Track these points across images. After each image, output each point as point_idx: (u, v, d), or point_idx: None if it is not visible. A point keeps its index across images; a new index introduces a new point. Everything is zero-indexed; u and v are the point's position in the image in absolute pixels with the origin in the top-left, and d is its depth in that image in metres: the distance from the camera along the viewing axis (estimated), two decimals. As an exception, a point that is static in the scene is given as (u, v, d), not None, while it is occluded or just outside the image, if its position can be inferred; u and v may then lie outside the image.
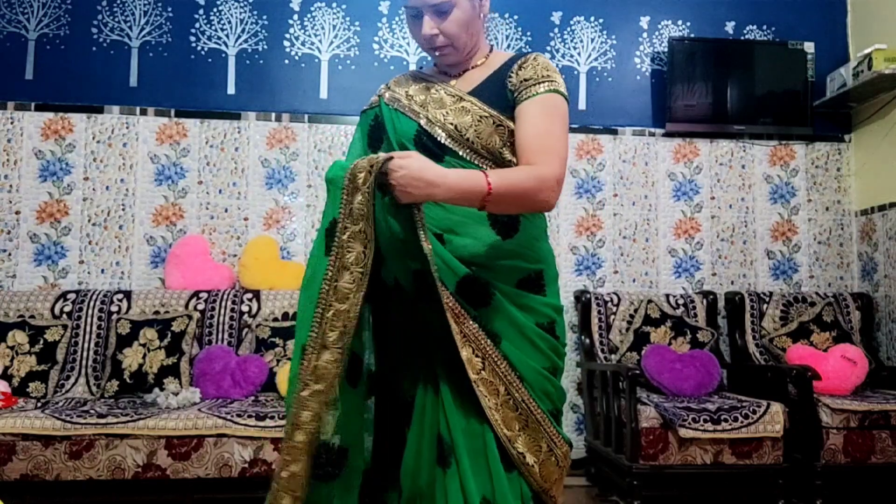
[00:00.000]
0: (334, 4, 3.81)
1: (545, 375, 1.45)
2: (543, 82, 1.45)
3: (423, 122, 1.48)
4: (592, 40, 3.92)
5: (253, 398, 3.01)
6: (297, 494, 1.36)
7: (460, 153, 1.46)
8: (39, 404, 2.88)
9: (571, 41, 3.91)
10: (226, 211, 3.65)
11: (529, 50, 3.83)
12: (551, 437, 1.43)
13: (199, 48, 3.71)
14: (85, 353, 3.24)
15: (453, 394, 1.40)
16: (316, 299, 1.36)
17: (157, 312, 3.28)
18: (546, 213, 1.51)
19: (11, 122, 3.56)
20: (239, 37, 3.74)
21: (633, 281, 3.82)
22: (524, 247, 1.46)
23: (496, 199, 1.33)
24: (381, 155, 1.34)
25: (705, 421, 2.80)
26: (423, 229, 1.34)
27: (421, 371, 1.46)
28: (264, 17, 3.76)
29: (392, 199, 1.32)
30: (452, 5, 1.45)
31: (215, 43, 3.73)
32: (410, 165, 1.30)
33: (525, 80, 1.46)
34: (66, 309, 3.28)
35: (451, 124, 1.46)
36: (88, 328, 3.27)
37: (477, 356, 1.38)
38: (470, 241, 1.43)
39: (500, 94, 1.48)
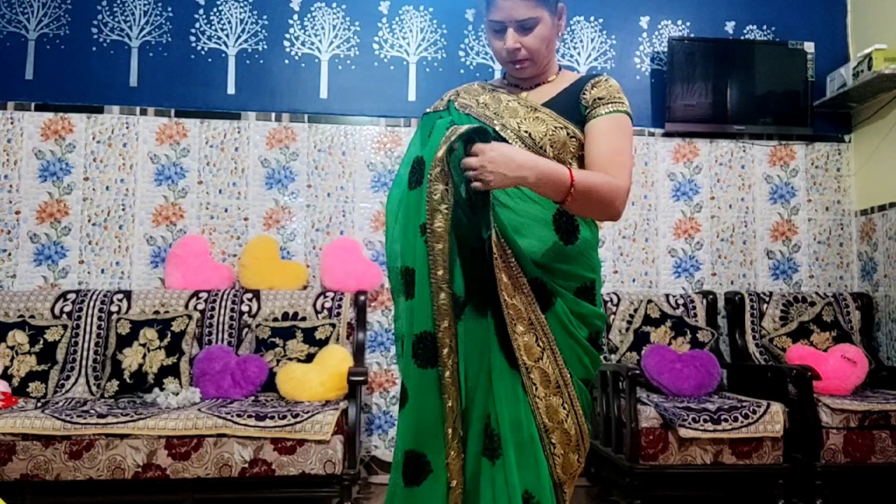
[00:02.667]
0: (334, 4, 3.81)
1: (581, 388, 1.52)
2: (615, 102, 1.53)
3: (497, 127, 1.54)
4: (592, 40, 3.92)
5: (253, 398, 3.02)
6: (455, 426, 1.41)
7: None
8: (39, 404, 2.88)
9: (571, 41, 3.91)
10: (226, 211, 3.65)
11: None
12: (582, 434, 1.50)
13: (199, 48, 3.71)
14: (85, 353, 3.24)
15: (505, 386, 1.45)
16: (421, 244, 1.41)
17: (157, 312, 3.28)
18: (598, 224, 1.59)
19: (11, 122, 3.56)
20: (239, 37, 3.74)
21: (633, 281, 3.82)
22: (582, 254, 1.52)
23: (577, 195, 1.40)
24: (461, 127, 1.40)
25: (705, 421, 2.80)
26: (491, 214, 1.41)
27: (474, 360, 1.48)
28: (264, 17, 3.76)
29: (470, 192, 1.39)
30: (537, 21, 1.52)
31: (215, 43, 3.73)
32: (501, 146, 1.38)
33: (598, 98, 1.53)
34: (66, 309, 3.29)
35: (526, 132, 1.52)
36: (88, 328, 3.27)
37: (538, 345, 1.45)
38: (534, 242, 1.48)
39: (574, 108, 1.55)
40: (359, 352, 3.34)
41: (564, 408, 1.46)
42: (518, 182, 1.37)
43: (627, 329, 3.46)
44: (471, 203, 1.43)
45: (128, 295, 3.35)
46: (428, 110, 1.67)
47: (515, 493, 1.39)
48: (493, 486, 1.42)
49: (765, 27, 4.00)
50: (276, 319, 3.33)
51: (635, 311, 3.51)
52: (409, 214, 1.45)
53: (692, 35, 3.94)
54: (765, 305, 3.63)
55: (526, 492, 1.40)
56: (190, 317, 3.23)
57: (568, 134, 1.52)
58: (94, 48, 3.65)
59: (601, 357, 1.60)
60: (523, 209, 1.48)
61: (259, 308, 3.36)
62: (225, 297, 3.37)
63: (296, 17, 3.78)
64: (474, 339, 1.47)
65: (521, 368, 1.44)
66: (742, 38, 3.97)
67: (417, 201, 1.42)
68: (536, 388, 1.45)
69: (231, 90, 3.72)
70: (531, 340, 1.44)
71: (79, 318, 3.27)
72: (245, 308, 3.35)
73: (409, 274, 1.45)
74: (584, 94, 1.55)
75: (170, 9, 3.71)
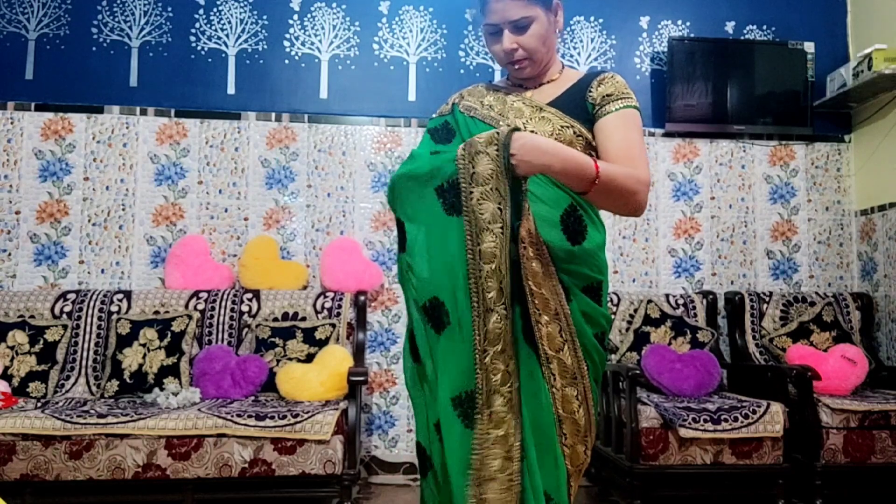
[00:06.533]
0: (334, 4, 3.81)
1: (592, 382, 1.52)
2: (623, 98, 1.53)
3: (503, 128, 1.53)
4: (592, 40, 3.92)
5: (253, 398, 3.02)
6: (507, 453, 1.39)
7: None
8: (39, 404, 2.88)
9: (571, 41, 3.91)
10: (226, 211, 3.65)
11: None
12: (590, 425, 1.50)
13: (199, 48, 3.71)
14: (85, 353, 3.24)
15: (526, 389, 1.44)
16: (455, 265, 1.40)
17: (157, 312, 3.28)
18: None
19: (11, 122, 3.56)
20: (239, 37, 3.74)
21: (633, 281, 3.82)
22: (589, 254, 1.52)
23: (601, 186, 1.41)
24: (504, 128, 1.40)
25: (705, 421, 2.80)
26: (525, 201, 1.40)
27: None
28: (264, 17, 3.76)
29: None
30: (531, 20, 1.52)
31: (215, 43, 3.73)
32: (527, 135, 1.39)
33: (607, 95, 1.53)
34: (66, 309, 3.28)
35: (532, 132, 1.51)
36: (88, 328, 3.27)
37: (561, 336, 1.44)
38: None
39: (581, 106, 1.55)
40: (359, 352, 3.34)
41: (578, 398, 1.46)
42: (543, 170, 1.39)
43: (627, 329, 3.46)
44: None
45: (128, 295, 3.35)
46: (433, 115, 1.68)
47: (539, 495, 1.40)
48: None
49: (765, 27, 4.00)
50: (276, 319, 3.33)
51: (635, 311, 3.51)
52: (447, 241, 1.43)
53: (692, 35, 3.94)
54: (765, 305, 3.63)
55: (545, 493, 1.41)
56: (190, 317, 3.23)
57: (574, 133, 1.52)
58: (94, 48, 3.65)
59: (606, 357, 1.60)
60: (533, 209, 1.48)
61: (259, 308, 3.36)
62: (225, 297, 3.37)
63: (296, 17, 3.78)
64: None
65: (541, 359, 1.43)
66: (742, 38, 3.97)
67: (458, 226, 1.41)
68: (555, 379, 1.44)
69: (231, 90, 3.72)
70: (554, 331, 1.43)
71: (79, 318, 3.27)
72: (245, 308, 3.35)
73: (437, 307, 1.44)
74: (590, 91, 1.55)
75: (170, 9, 3.71)
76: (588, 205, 1.50)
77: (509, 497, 1.38)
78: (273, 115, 3.71)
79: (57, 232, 3.54)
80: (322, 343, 3.18)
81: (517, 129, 1.41)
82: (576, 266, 1.49)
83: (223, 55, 3.73)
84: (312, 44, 3.78)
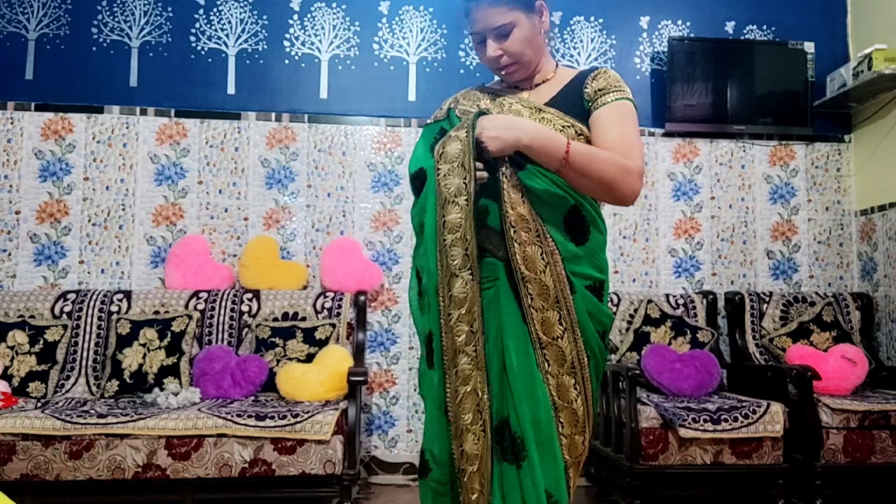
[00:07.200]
0: (334, 4, 3.81)
1: (592, 375, 1.52)
2: (616, 91, 1.55)
3: None
4: (592, 40, 3.92)
5: (253, 398, 3.02)
6: (477, 406, 1.42)
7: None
8: (39, 404, 2.88)
9: (571, 41, 3.91)
10: (226, 211, 3.65)
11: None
12: (588, 416, 1.50)
13: (199, 48, 3.71)
14: (85, 353, 3.24)
15: (524, 386, 1.44)
16: (433, 241, 1.46)
17: (157, 312, 3.28)
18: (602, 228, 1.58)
19: (11, 122, 3.56)
20: (239, 37, 3.74)
21: (633, 281, 3.82)
22: (592, 255, 1.53)
23: (574, 165, 1.43)
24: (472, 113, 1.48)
25: (705, 421, 2.80)
26: (515, 186, 1.44)
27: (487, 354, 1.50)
28: (264, 17, 3.76)
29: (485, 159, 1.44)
30: (513, 25, 1.53)
31: (215, 43, 3.73)
32: (494, 115, 1.48)
33: (599, 89, 1.55)
34: (66, 309, 3.29)
35: None
36: (88, 328, 3.27)
37: (561, 324, 1.45)
38: None
39: (578, 104, 1.56)
40: (359, 352, 3.34)
41: (576, 388, 1.46)
42: (514, 143, 1.42)
43: (627, 329, 3.46)
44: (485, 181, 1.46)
45: (128, 295, 3.35)
46: (429, 121, 1.68)
47: (541, 493, 1.40)
48: (522, 489, 1.42)
49: (765, 27, 4.00)
50: (276, 319, 3.33)
51: (635, 311, 3.51)
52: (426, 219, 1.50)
53: (692, 35, 3.94)
54: (765, 305, 3.63)
55: (546, 491, 1.41)
56: (190, 317, 3.23)
57: (575, 132, 1.52)
58: (94, 48, 3.65)
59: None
60: (525, 196, 1.48)
61: (259, 308, 3.36)
62: (225, 297, 3.37)
63: (296, 17, 3.78)
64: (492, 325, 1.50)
65: (535, 345, 1.44)
66: (742, 38, 3.97)
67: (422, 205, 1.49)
68: (549, 366, 1.45)
69: (231, 90, 3.72)
70: (553, 318, 1.44)
71: (79, 318, 3.27)
72: (245, 308, 3.35)
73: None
74: (585, 88, 1.56)
75: (170, 9, 3.71)
76: (590, 205, 1.50)
77: (482, 446, 1.42)
78: (273, 115, 3.71)
79: (57, 232, 3.54)
80: (322, 343, 3.18)
81: (484, 112, 1.46)
82: (578, 266, 1.50)
83: (223, 55, 3.73)
84: (312, 44, 3.78)
